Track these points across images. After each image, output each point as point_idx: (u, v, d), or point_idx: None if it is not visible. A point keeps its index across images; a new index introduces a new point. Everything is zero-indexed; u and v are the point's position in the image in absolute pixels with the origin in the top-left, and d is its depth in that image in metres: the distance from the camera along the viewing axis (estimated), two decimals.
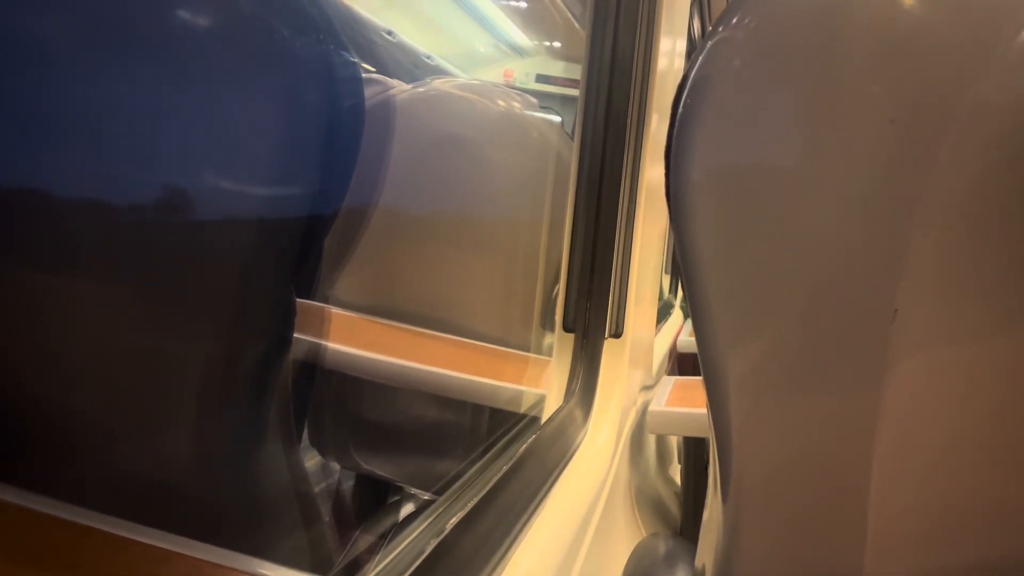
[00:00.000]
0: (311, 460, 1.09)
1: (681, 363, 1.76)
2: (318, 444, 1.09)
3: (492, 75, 3.93)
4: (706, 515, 0.53)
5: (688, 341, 1.76)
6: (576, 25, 2.82)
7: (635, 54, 0.94)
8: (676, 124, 0.44)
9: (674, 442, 1.49)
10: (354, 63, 0.57)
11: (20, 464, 0.41)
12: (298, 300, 0.58)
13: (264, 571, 0.41)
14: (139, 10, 0.40)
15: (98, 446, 0.45)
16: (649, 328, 1.25)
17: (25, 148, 0.37)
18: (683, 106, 0.44)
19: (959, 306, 0.39)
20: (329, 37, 0.52)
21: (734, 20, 0.43)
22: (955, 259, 0.38)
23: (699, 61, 0.43)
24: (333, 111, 0.53)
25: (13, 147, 0.37)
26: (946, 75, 0.37)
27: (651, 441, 1.22)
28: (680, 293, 2.46)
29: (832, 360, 0.41)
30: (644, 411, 1.07)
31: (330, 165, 0.54)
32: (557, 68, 3.94)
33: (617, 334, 0.95)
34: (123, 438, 0.46)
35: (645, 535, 0.98)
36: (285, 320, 0.56)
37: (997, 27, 0.37)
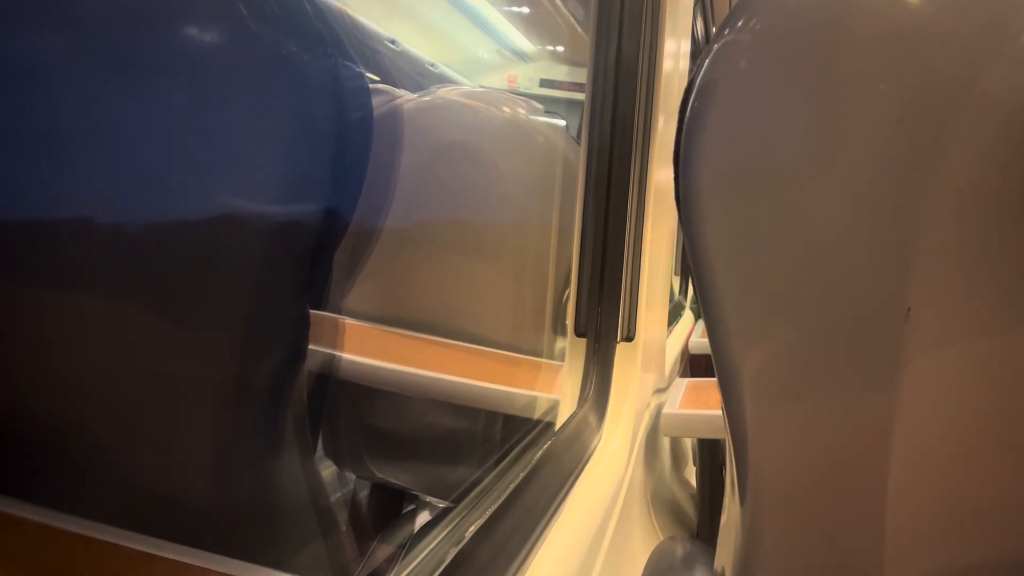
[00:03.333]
0: (326, 470, 1.09)
1: (693, 364, 1.76)
2: (333, 454, 1.09)
3: (496, 81, 3.93)
4: (724, 518, 0.52)
5: (700, 342, 1.76)
6: (579, 29, 2.83)
7: (640, 56, 0.95)
8: (684, 127, 0.44)
9: (688, 444, 1.49)
10: (361, 75, 0.57)
11: (40, 482, 0.41)
12: (311, 312, 0.58)
13: None
14: (149, 30, 0.41)
15: (117, 462, 0.45)
16: (661, 330, 1.25)
17: (36, 166, 0.38)
18: (691, 109, 0.44)
19: (972, 303, 0.39)
20: (336, 50, 0.53)
21: (740, 23, 0.43)
22: (966, 256, 0.38)
23: (706, 64, 0.43)
24: (342, 124, 0.53)
25: (24, 166, 0.37)
26: (952, 72, 0.37)
27: (665, 444, 1.22)
28: (691, 294, 2.45)
29: (846, 360, 0.41)
30: (658, 414, 1.07)
31: (340, 177, 0.54)
32: (561, 72, 3.94)
33: (629, 337, 0.95)
34: (142, 454, 0.46)
35: (662, 538, 0.98)
36: (299, 332, 0.56)
37: (1002, 23, 0.37)
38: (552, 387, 1.01)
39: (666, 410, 1.05)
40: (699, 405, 1.06)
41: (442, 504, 1.11)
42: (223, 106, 0.45)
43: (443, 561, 0.45)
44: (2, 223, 0.37)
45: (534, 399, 0.97)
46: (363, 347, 0.95)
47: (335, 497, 1.07)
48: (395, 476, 1.12)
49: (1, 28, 0.36)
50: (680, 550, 0.70)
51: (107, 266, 0.41)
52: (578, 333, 0.93)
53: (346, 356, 0.89)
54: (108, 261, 0.41)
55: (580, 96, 0.97)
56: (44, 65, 0.37)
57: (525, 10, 3.49)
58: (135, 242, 0.41)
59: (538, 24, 3.70)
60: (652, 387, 1.09)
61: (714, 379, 0.48)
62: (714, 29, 2.24)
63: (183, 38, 0.42)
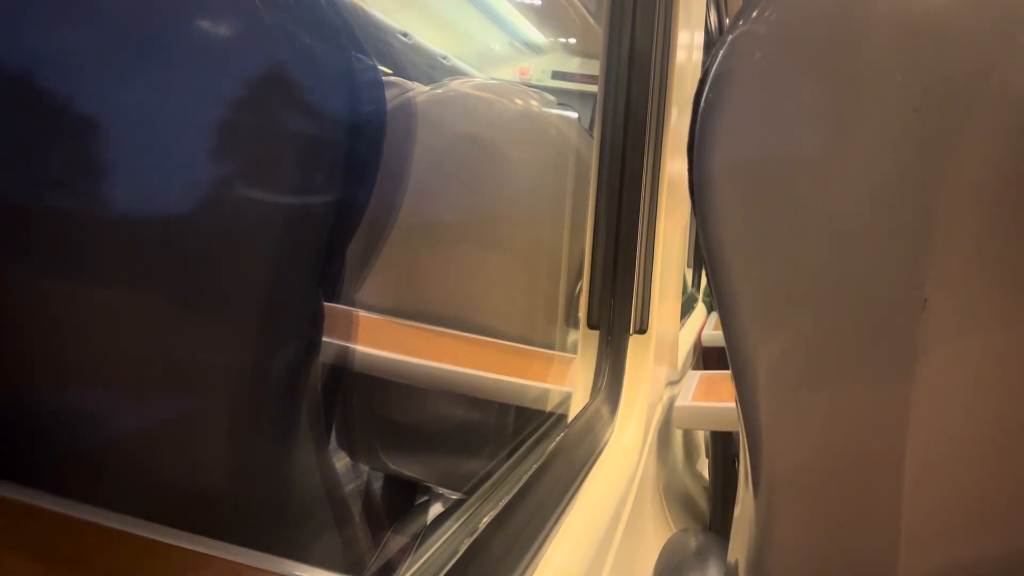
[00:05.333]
0: (340, 461, 1.10)
1: (706, 357, 1.75)
2: (347, 445, 1.10)
3: (508, 73, 3.92)
4: (737, 510, 0.52)
5: (713, 335, 1.75)
6: (591, 21, 2.81)
7: (653, 48, 0.94)
8: (698, 119, 0.44)
9: (701, 436, 1.49)
10: (374, 67, 0.57)
11: (57, 472, 0.41)
12: (325, 304, 0.58)
13: (299, 573, 0.41)
14: (165, 23, 0.41)
15: (133, 452, 0.46)
16: (674, 323, 1.24)
17: (56, 157, 0.38)
18: (705, 101, 0.44)
19: (989, 294, 0.38)
20: (349, 43, 0.53)
21: (754, 14, 0.42)
22: (983, 247, 0.38)
23: (720, 56, 0.43)
24: (355, 116, 0.53)
25: (44, 156, 0.38)
26: (969, 61, 0.37)
27: (678, 436, 1.21)
28: (703, 287, 2.45)
29: (862, 351, 0.41)
30: (670, 406, 1.07)
31: (354, 169, 0.54)
32: (573, 64, 3.92)
33: (642, 330, 0.94)
34: (157, 443, 0.47)
35: (674, 530, 0.98)
36: (313, 324, 0.57)
37: (1018, 14, 0.36)
38: (564, 379, 1.01)
39: (679, 402, 1.05)
40: (712, 397, 1.06)
41: (455, 495, 1.12)
42: (237, 98, 0.45)
43: (457, 551, 0.45)
44: (20, 213, 0.37)
45: (546, 391, 0.98)
46: (376, 339, 0.95)
47: (349, 488, 1.08)
48: (408, 468, 1.12)
49: (25, 22, 0.36)
50: (693, 542, 0.70)
51: (123, 256, 0.41)
52: (591, 325, 0.93)
53: (360, 348, 0.90)
54: (124, 252, 0.41)
55: (593, 88, 0.96)
56: (64, 58, 0.37)
57: (537, 2, 3.48)
58: (151, 233, 0.42)
59: (550, 16, 3.69)
60: (665, 380, 1.09)
61: (727, 372, 0.48)
62: (728, 20, 2.23)
63: (198, 31, 0.43)
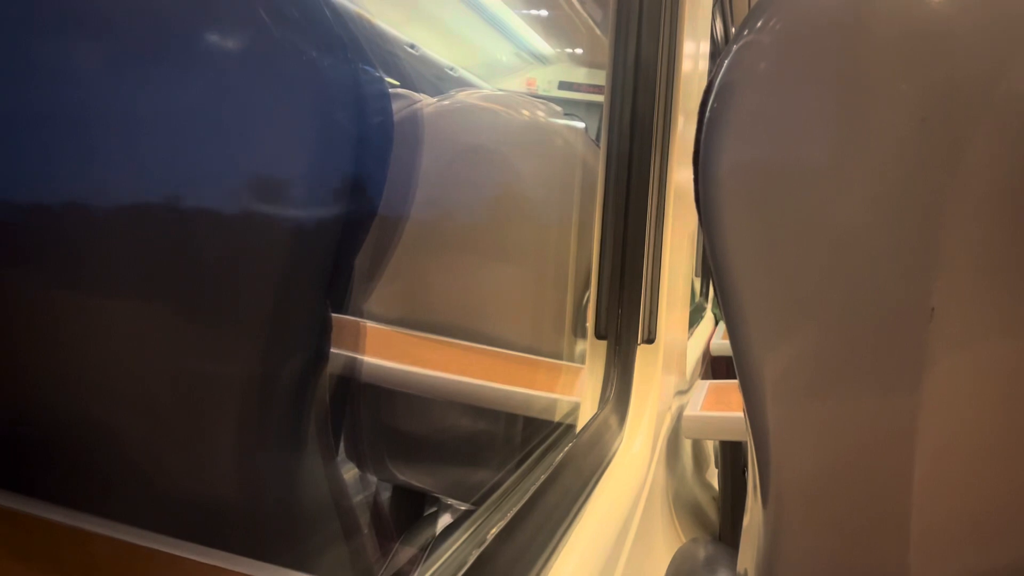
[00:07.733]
0: (348, 472, 1.10)
1: (715, 366, 1.75)
2: (355, 456, 1.10)
3: (515, 84, 3.93)
4: (746, 520, 0.52)
5: (721, 344, 1.75)
6: (597, 31, 2.82)
7: (659, 57, 0.94)
8: (704, 129, 0.44)
9: (710, 446, 1.48)
10: (381, 79, 0.58)
11: (66, 483, 0.41)
12: (333, 315, 0.58)
13: None
14: (173, 35, 0.41)
15: (141, 463, 0.46)
16: (682, 332, 1.24)
17: (63, 166, 0.38)
18: (710, 110, 0.44)
19: (996, 303, 0.38)
20: (356, 55, 0.53)
21: (759, 23, 0.43)
22: (991, 256, 0.38)
23: (725, 66, 0.43)
24: (362, 129, 0.53)
25: (51, 163, 0.38)
26: (976, 70, 0.37)
27: (687, 446, 1.21)
28: (712, 296, 2.44)
29: (870, 361, 0.41)
30: (679, 416, 1.07)
31: (361, 181, 0.55)
32: (580, 75, 3.93)
33: (650, 339, 0.94)
34: (165, 455, 0.47)
35: (684, 541, 0.98)
36: (321, 335, 0.57)
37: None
38: (572, 389, 1.01)
39: (687, 412, 1.05)
40: (721, 407, 1.06)
41: (463, 506, 1.11)
42: (246, 111, 0.45)
43: (465, 563, 0.45)
44: (27, 220, 0.37)
45: (554, 401, 0.97)
46: (384, 350, 0.95)
47: (357, 499, 1.08)
48: (416, 478, 1.12)
49: (42, 31, 0.36)
50: (702, 552, 0.70)
51: (131, 267, 0.42)
52: (598, 335, 0.92)
53: (367, 359, 0.90)
54: (132, 263, 0.42)
55: (599, 98, 0.97)
56: (80, 68, 0.38)
57: (543, 13, 3.49)
58: (158, 244, 0.42)
59: (557, 27, 3.70)
60: (673, 389, 1.09)
61: (736, 381, 0.48)
62: (734, 29, 2.23)
63: (209, 45, 0.43)
